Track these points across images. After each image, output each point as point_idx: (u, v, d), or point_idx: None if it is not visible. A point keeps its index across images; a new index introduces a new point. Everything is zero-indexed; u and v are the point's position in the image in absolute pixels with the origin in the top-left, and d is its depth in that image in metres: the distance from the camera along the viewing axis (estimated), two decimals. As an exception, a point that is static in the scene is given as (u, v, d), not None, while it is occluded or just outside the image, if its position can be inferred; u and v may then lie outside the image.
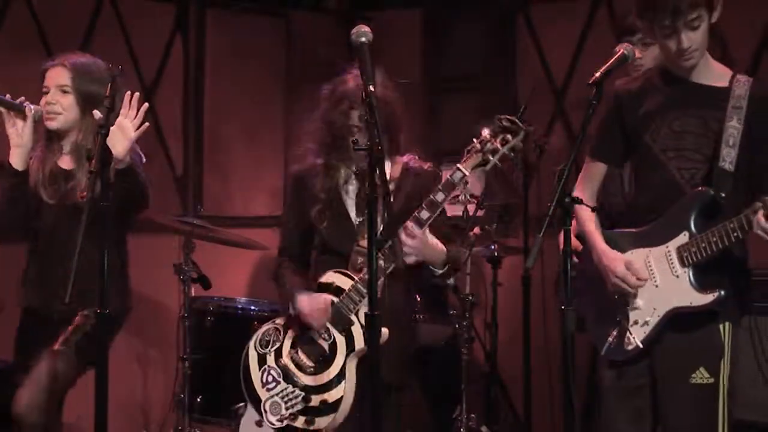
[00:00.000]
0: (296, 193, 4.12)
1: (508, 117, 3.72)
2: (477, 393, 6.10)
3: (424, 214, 3.76)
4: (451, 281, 5.36)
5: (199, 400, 5.47)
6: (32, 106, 4.10)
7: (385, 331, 3.75)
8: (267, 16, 7.07)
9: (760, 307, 4.88)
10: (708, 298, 3.51)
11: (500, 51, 6.91)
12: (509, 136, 3.72)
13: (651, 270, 3.61)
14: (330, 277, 3.96)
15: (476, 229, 5.62)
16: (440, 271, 3.95)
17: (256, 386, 4.04)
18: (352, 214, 4.00)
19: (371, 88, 3.23)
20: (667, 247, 3.58)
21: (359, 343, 3.87)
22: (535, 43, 6.72)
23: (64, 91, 4.09)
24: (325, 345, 3.93)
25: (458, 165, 3.76)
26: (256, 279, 6.73)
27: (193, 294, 5.68)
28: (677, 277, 3.56)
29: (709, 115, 3.58)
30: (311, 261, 4.14)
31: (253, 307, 5.52)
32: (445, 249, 3.91)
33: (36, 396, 3.98)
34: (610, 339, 3.63)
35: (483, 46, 7.02)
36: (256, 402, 4.03)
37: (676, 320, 3.56)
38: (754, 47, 5.92)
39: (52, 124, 4.10)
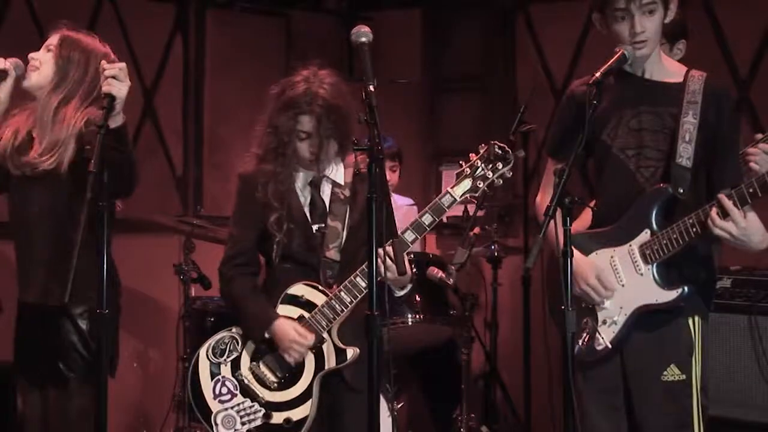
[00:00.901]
0: (246, 197, 3.90)
1: (500, 144, 3.67)
2: (477, 393, 6.11)
3: (410, 236, 3.69)
4: (451, 281, 5.35)
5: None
6: (12, 61, 3.98)
7: (356, 351, 3.74)
8: (267, 16, 7.07)
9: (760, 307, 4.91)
10: (672, 294, 3.51)
11: (500, 50, 6.91)
12: (500, 164, 3.66)
13: (616, 269, 3.60)
14: (299, 289, 3.82)
15: (476, 229, 5.61)
16: (400, 293, 3.82)
17: (206, 397, 3.85)
18: (309, 223, 3.86)
19: (371, 87, 3.21)
20: (630, 245, 3.58)
21: (330, 362, 3.78)
22: (534, 43, 6.72)
23: (48, 50, 4.00)
24: (292, 362, 3.79)
25: (449, 189, 3.72)
26: (256, 279, 6.74)
27: (193, 294, 5.68)
28: (641, 275, 3.56)
29: (664, 111, 3.58)
30: (270, 269, 3.94)
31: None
32: (410, 275, 3.77)
33: None
34: (580, 341, 3.62)
35: (483, 46, 7.03)
36: (206, 413, 3.85)
37: (645, 318, 3.56)
38: (755, 48, 5.93)
39: (27, 82, 3.97)
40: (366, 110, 3.20)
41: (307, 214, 3.86)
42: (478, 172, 3.67)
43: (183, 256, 5.62)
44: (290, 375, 3.81)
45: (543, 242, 3.20)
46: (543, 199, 3.78)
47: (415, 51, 7.24)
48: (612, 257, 3.61)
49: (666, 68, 3.65)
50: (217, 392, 3.85)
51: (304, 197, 3.88)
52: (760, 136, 3.98)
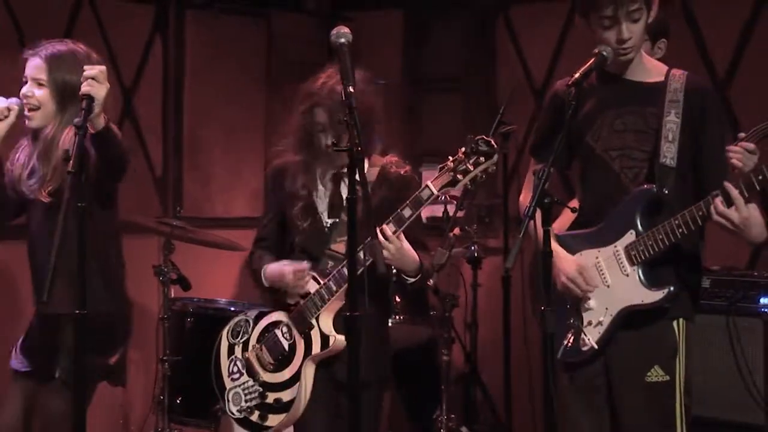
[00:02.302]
0: (274, 188, 4.08)
1: (485, 138, 3.64)
2: (457, 393, 6.12)
3: (391, 228, 3.73)
4: (431, 282, 5.36)
5: (179, 401, 5.47)
6: (14, 102, 3.97)
7: (341, 338, 3.79)
8: (247, 16, 7.06)
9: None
10: (658, 295, 3.50)
11: (480, 52, 6.92)
12: (482, 159, 3.64)
13: (601, 270, 3.60)
14: None
15: (456, 230, 5.61)
16: (411, 280, 3.89)
17: (223, 374, 4.08)
18: (324, 216, 3.96)
19: (350, 88, 3.22)
20: (615, 246, 3.57)
21: (316, 347, 3.87)
22: (514, 44, 6.73)
23: (40, 84, 3.96)
24: (286, 344, 3.94)
25: (428, 183, 3.72)
26: (237, 280, 6.73)
27: (172, 295, 5.67)
28: (627, 275, 3.55)
29: (647, 111, 3.58)
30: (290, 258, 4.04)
31: (233, 308, 5.51)
32: (418, 258, 3.84)
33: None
34: (565, 341, 3.62)
35: (463, 48, 7.03)
36: (221, 389, 4.08)
37: (630, 319, 3.56)
38: (733, 48, 5.96)
39: (32, 123, 3.98)
40: (346, 111, 3.21)
41: (323, 208, 3.96)
42: (460, 166, 3.67)
43: (162, 257, 5.60)
44: (283, 358, 3.94)
45: (523, 243, 3.21)
46: (525, 199, 3.79)
47: (396, 52, 7.25)
48: (597, 258, 3.60)
49: (647, 68, 3.66)
50: (230, 370, 4.07)
51: (324, 190, 3.97)
52: (743, 135, 4.00)
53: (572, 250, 3.65)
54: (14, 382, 4.08)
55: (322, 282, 3.85)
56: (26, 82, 4.01)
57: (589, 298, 3.61)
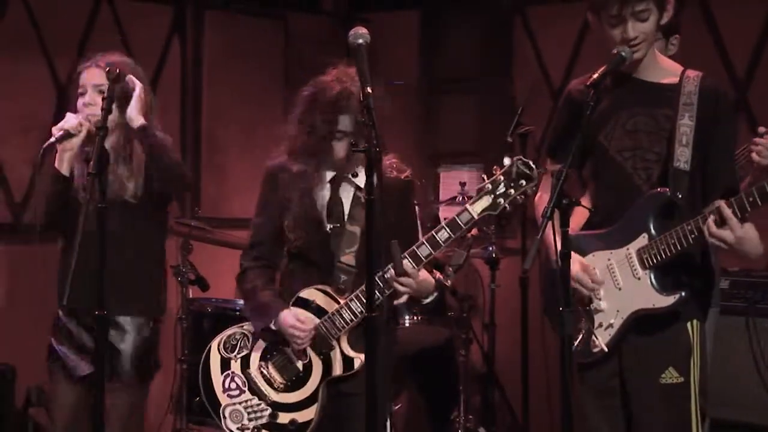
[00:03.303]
0: (270, 191, 3.93)
1: (524, 160, 3.55)
2: (475, 394, 6.11)
3: (424, 251, 3.64)
4: (449, 283, 5.35)
5: (197, 400, 5.47)
6: (78, 116, 4.08)
7: (361, 357, 3.70)
8: (265, 17, 7.08)
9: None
10: (670, 299, 3.49)
11: (498, 52, 6.91)
12: (523, 182, 3.55)
13: (613, 272, 3.59)
14: (311, 293, 3.81)
15: (474, 231, 5.61)
16: (427, 301, 3.83)
17: (216, 389, 3.90)
18: (324, 222, 3.84)
19: (368, 89, 3.21)
20: (627, 249, 3.56)
21: (337, 369, 3.76)
22: (532, 45, 6.72)
23: (101, 91, 4.06)
24: (300, 365, 3.80)
25: (467, 206, 3.61)
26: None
27: (190, 295, 5.68)
28: (639, 279, 3.53)
29: (659, 112, 3.57)
30: (281, 266, 3.99)
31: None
32: (433, 281, 3.77)
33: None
34: (576, 342, 3.61)
35: (480, 48, 7.03)
36: (214, 405, 3.90)
37: (642, 321, 3.54)
38: (752, 48, 5.93)
39: (90, 125, 4.09)
40: (364, 111, 3.20)
41: (324, 213, 3.84)
42: (499, 188, 3.57)
43: (181, 257, 5.61)
44: (297, 378, 3.81)
45: (540, 244, 3.20)
46: (541, 199, 3.77)
47: (413, 53, 7.24)
48: (609, 260, 3.59)
49: (661, 68, 3.64)
50: (226, 386, 3.88)
51: (323, 196, 3.86)
52: (763, 129, 3.97)
53: (584, 251, 3.64)
54: (67, 383, 4.15)
55: (341, 302, 3.74)
56: (83, 93, 4.14)
57: (600, 299, 3.60)
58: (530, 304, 5.54)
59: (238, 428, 3.85)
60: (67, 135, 4.03)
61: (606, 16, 3.52)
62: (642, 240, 3.53)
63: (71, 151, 4.08)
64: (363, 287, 3.66)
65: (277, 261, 3.97)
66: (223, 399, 3.89)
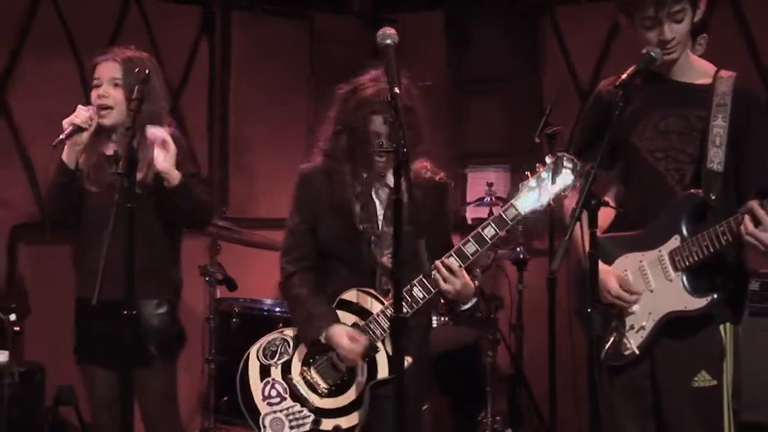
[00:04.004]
0: (303, 192, 3.88)
1: (569, 156, 3.51)
2: (502, 395, 6.10)
3: (470, 248, 3.60)
4: (476, 283, 5.34)
5: (224, 400, 5.49)
6: (89, 110, 4.10)
7: (408, 359, 3.56)
8: (291, 18, 7.09)
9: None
10: (702, 302, 3.46)
11: (525, 52, 6.90)
12: (568, 177, 3.50)
13: (645, 274, 3.57)
14: (354, 296, 3.75)
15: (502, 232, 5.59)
16: (465, 307, 3.75)
17: (255, 397, 3.79)
18: (359, 224, 3.79)
19: (396, 89, 3.20)
20: (659, 251, 3.54)
21: (382, 372, 3.68)
22: (560, 45, 6.70)
23: (116, 85, 4.13)
24: (344, 369, 3.72)
25: (512, 202, 3.57)
26: (281, 280, 6.74)
27: (218, 295, 5.70)
28: (671, 281, 3.52)
29: (692, 113, 3.55)
30: (319, 267, 3.91)
31: (278, 309, 5.52)
32: (473, 286, 3.69)
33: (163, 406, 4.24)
34: (607, 345, 3.59)
35: (508, 48, 7.01)
36: (254, 414, 3.79)
37: (675, 323, 3.52)
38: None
39: (105, 121, 4.13)
40: (392, 111, 3.19)
41: (356, 214, 3.79)
42: (544, 184, 3.53)
43: (209, 257, 5.63)
44: (341, 383, 3.73)
45: (568, 244, 3.19)
46: (570, 201, 3.76)
47: (440, 53, 7.23)
48: (641, 261, 3.57)
49: (695, 69, 3.62)
50: (266, 394, 3.79)
51: (358, 198, 3.81)
52: None
53: (614, 254, 3.63)
54: (99, 367, 4.19)
55: (386, 302, 3.68)
56: (98, 85, 4.16)
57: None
58: (558, 305, 5.51)
59: None
60: (78, 129, 4.05)
61: (640, 18, 3.49)
62: (674, 242, 3.51)
63: (80, 145, 4.10)
64: (408, 288, 3.61)
65: (317, 262, 3.89)
66: (262, 408, 3.79)
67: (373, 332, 3.69)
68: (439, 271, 3.57)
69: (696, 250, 3.45)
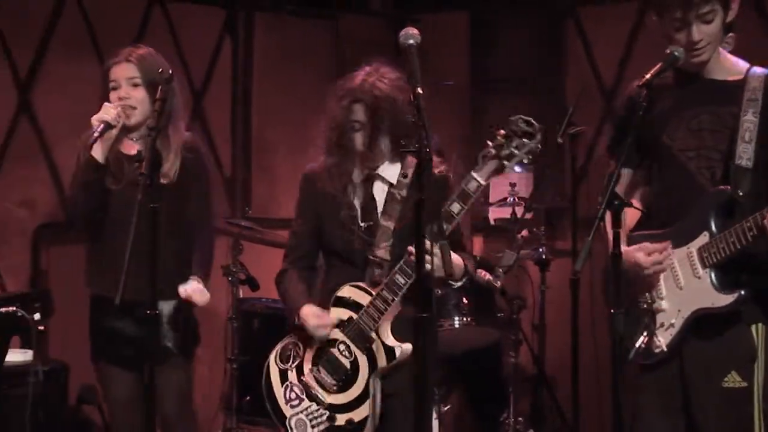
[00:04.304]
0: (305, 193, 3.94)
1: (523, 118, 3.51)
2: (524, 396, 6.09)
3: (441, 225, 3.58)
4: (498, 284, 5.34)
5: (247, 400, 5.50)
6: (116, 107, 4.13)
7: (409, 346, 3.68)
8: (315, 18, 7.09)
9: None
10: (729, 298, 3.44)
11: (548, 52, 6.88)
12: (526, 140, 3.51)
13: (674, 271, 3.56)
14: (347, 291, 3.79)
15: (524, 232, 5.59)
16: (458, 284, 3.79)
17: (279, 402, 3.89)
18: (359, 219, 3.82)
19: (419, 89, 3.20)
20: (688, 248, 3.53)
21: (381, 361, 3.72)
22: (583, 45, 6.68)
23: (135, 84, 4.16)
24: (347, 363, 3.77)
25: (472, 173, 3.59)
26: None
27: (241, 295, 5.71)
28: (699, 278, 3.51)
29: (723, 110, 3.53)
30: (319, 265, 4.01)
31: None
32: (462, 261, 3.74)
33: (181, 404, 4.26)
34: (637, 343, 3.59)
35: (531, 48, 6.99)
36: (281, 418, 3.89)
37: (705, 322, 3.50)
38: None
39: (130, 121, 4.16)
40: (414, 112, 3.19)
41: (358, 211, 3.82)
42: (503, 150, 3.53)
43: (231, 257, 5.64)
44: (347, 377, 3.78)
45: (592, 245, 3.18)
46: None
47: (463, 53, 7.22)
48: (671, 259, 3.57)
49: (727, 66, 3.60)
50: (287, 397, 3.88)
51: (357, 194, 3.85)
52: None
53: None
54: (116, 366, 4.21)
55: (374, 293, 3.71)
56: (116, 87, 4.18)
57: (662, 299, 3.57)
58: (581, 305, 5.51)
59: None
60: (108, 127, 4.07)
61: (669, 20, 3.48)
62: (703, 238, 3.50)
63: (109, 141, 4.12)
64: (391, 276, 3.66)
65: (315, 262, 3.99)
66: (287, 411, 3.88)
67: (366, 324, 3.73)
68: (411, 255, 3.57)
69: (723, 247, 3.43)
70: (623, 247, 3.53)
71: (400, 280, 3.64)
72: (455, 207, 3.59)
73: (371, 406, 3.74)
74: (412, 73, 3.25)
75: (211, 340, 5.79)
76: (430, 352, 3.28)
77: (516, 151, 3.53)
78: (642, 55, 6.13)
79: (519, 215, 5.85)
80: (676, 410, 3.58)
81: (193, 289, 4.13)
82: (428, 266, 3.49)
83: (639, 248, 3.60)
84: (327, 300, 3.84)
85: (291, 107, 6.94)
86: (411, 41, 3.29)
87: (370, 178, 3.84)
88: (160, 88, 3.75)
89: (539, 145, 3.53)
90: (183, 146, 4.22)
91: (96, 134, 4.03)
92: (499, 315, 5.79)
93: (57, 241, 6.05)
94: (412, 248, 3.51)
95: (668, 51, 3.44)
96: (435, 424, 4.95)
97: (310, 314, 3.80)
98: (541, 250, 5.91)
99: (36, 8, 6.05)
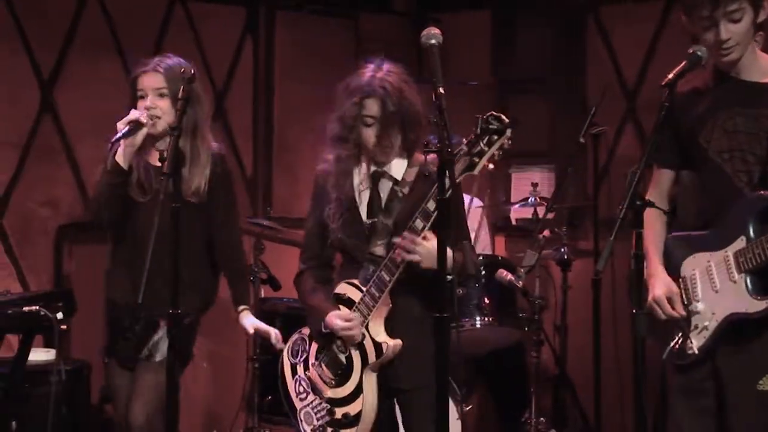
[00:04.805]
0: (319, 192, 3.95)
1: (494, 114, 3.50)
2: (546, 396, 6.08)
3: (419, 224, 3.61)
4: (520, 284, 5.32)
5: (268, 399, 5.51)
6: (143, 115, 4.16)
7: (398, 342, 3.72)
8: (336, 17, 7.09)
9: None
10: (762, 304, 3.42)
11: (570, 52, 6.86)
12: (495, 136, 3.49)
13: (711, 274, 3.54)
14: (343, 288, 3.85)
15: (546, 232, 5.57)
16: (449, 278, 3.67)
17: (291, 395, 4.02)
18: (363, 216, 3.84)
19: (441, 89, 3.20)
20: (725, 252, 3.51)
21: (371, 356, 3.76)
22: (605, 44, 6.66)
23: (162, 95, 4.20)
24: (343, 358, 3.83)
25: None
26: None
27: (262, 295, 5.72)
28: (734, 282, 3.48)
29: (759, 112, 3.50)
30: (335, 264, 4.03)
31: (321, 309, 5.52)
32: (452, 254, 3.66)
33: (148, 409, 4.21)
34: (671, 343, 3.58)
35: (553, 47, 6.97)
36: (293, 410, 4.01)
37: (740, 326, 3.48)
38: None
39: (156, 129, 4.19)
40: (436, 112, 3.19)
41: (362, 208, 3.84)
42: (474, 148, 3.52)
43: (253, 257, 5.65)
44: (343, 372, 3.84)
45: (614, 245, 3.17)
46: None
47: (484, 52, 7.21)
48: (708, 262, 3.55)
49: (762, 67, 3.55)
50: (297, 391, 4.00)
51: (363, 190, 3.86)
52: None
53: (683, 253, 3.61)
54: (122, 368, 4.34)
55: (364, 290, 3.75)
56: (143, 96, 4.22)
57: (698, 301, 3.56)
58: (603, 305, 5.49)
59: (312, 430, 3.93)
60: (137, 127, 4.09)
61: (697, 18, 3.45)
62: (740, 243, 3.47)
63: (133, 147, 4.14)
64: (377, 272, 3.69)
65: (331, 259, 4.02)
66: (297, 403, 4.00)
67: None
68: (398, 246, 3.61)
69: (759, 252, 3.41)
70: (653, 261, 3.56)
71: (385, 276, 3.67)
72: (431, 205, 3.58)
73: (365, 401, 3.79)
74: (434, 72, 3.25)
75: (233, 339, 5.80)
76: (444, 351, 3.27)
77: (486, 148, 3.52)
78: (665, 54, 6.11)
79: (541, 215, 5.83)
80: (708, 412, 3.56)
81: (258, 324, 4.34)
82: (416, 258, 3.59)
83: (665, 288, 3.57)
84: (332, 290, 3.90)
85: (312, 106, 6.93)
86: (433, 41, 3.30)
87: (378, 175, 3.85)
88: (182, 87, 3.76)
89: (509, 140, 3.51)
90: (212, 160, 4.26)
91: (119, 134, 4.05)
92: (520, 315, 5.77)
93: (79, 240, 6.07)
94: (398, 240, 3.60)
95: (691, 50, 3.42)
96: (457, 424, 4.94)
97: (335, 316, 3.79)
98: (562, 250, 5.89)
99: (58, 8, 6.07)
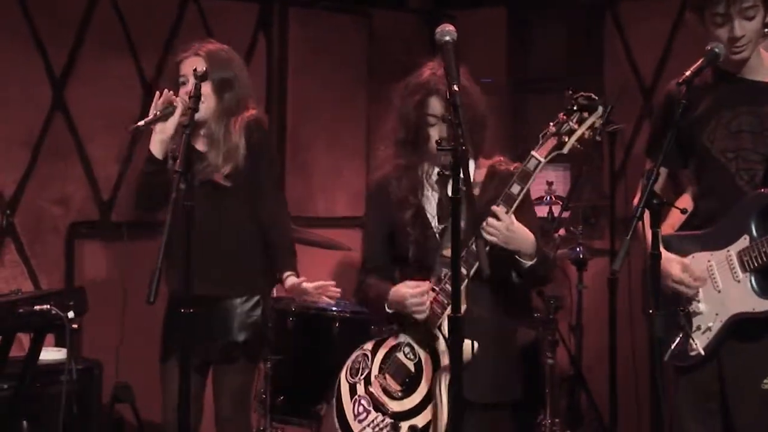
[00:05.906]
0: (377, 201, 3.83)
1: (583, 93, 3.47)
2: (561, 397, 6.04)
3: (502, 209, 3.49)
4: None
5: (281, 399, 5.48)
6: (177, 99, 4.17)
7: (467, 343, 3.47)
8: (350, 14, 7.08)
9: None
10: None
11: (586, 49, 6.83)
12: (586, 114, 3.44)
13: (713, 274, 3.53)
14: None
15: (561, 231, 5.54)
16: (528, 263, 3.57)
17: (348, 419, 3.73)
18: (433, 221, 3.71)
19: (455, 87, 3.16)
20: (728, 251, 3.49)
21: (445, 359, 3.56)
22: (622, 42, 6.62)
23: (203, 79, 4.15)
24: (411, 365, 3.64)
25: (533, 152, 3.50)
26: (339, 279, 6.71)
27: (275, 294, 5.68)
28: (738, 282, 3.47)
29: (763, 111, 3.49)
30: (396, 276, 3.82)
31: (335, 308, 5.49)
32: (533, 238, 3.56)
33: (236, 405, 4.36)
34: (673, 345, 3.54)
35: (569, 45, 6.95)
36: None
37: (743, 325, 3.47)
38: None
39: (199, 114, 4.13)
40: (450, 109, 3.16)
41: (432, 213, 3.72)
42: (563, 127, 3.46)
43: (266, 255, 5.61)
44: (411, 380, 3.66)
45: (630, 245, 3.14)
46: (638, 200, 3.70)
47: (500, 50, 7.18)
48: (709, 261, 3.53)
49: (767, 66, 3.55)
50: (355, 412, 3.73)
51: (432, 194, 3.75)
52: None
53: (682, 252, 3.59)
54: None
55: (437, 289, 3.58)
56: (185, 82, 4.22)
57: (699, 301, 3.53)
58: (619, 305, 5.45)
59: None
60: (169, 110, 4.08)
61: (710, 15, 3.45)
62: (743, 242, 3.46)
63: (163, 134, 4.13)
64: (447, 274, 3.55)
65: (393, 273, 3.84)
66: (355, 427, 3.73)
67: (431, 321, 3.60)
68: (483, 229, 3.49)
69: (764, 251, 3.40)
70: (665, 254, 3.48)
71: (462, 271, 3.47)
72: (515, 188, 3.51)
73: (437, 410, 3.57)
74: (449, 70, 3.22)
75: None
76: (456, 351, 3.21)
77: (576, 126, 3.47)
78: (682, 52, 6.07)
79: (556, 214, 5.79)
80: (712, 412, 3.56)
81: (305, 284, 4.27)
82: (493, 238, 3.48)
83: (679, 261, 3.53)
84: None
85: (326, 103, 6.92)
86: (447, 38, 3.26)
87: (444, 178, 3.69)
88: (194, 84, 3.73)
89: (601, 119, 3.46)
90: (245, 132, 4.24)
91: (141, 123, 4.05)
92: (536, 315, 5.73)
93: (91, 238, 6.06)
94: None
95: (709, 47, 3.41)
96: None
97: (402, 285, 3.63)
98: (578, 249, 5.85)
99: (70, 6, 6.06)
